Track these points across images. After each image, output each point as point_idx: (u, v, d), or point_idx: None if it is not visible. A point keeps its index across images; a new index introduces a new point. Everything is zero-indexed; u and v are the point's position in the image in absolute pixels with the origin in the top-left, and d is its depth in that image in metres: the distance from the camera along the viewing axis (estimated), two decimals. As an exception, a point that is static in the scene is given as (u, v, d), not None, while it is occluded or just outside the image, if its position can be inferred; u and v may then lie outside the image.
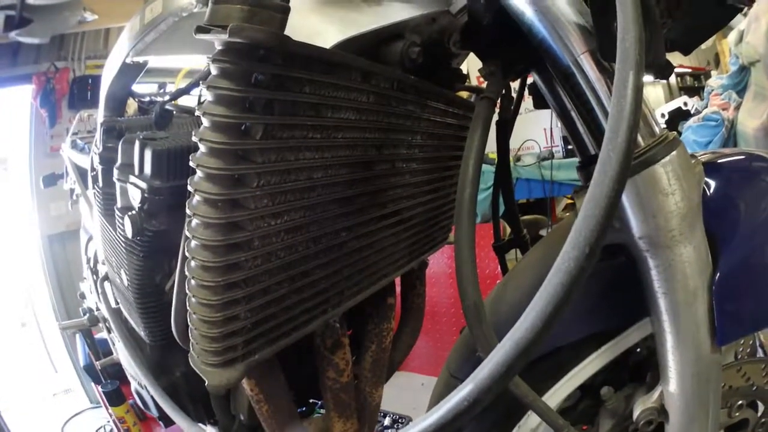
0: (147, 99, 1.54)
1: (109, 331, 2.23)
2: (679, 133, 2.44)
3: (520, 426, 0.81)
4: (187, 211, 0.62)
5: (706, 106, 3.40)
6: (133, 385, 1.30)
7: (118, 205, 0.95)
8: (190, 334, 0.70)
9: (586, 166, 0.79)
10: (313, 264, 0.76)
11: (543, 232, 3.40)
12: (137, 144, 0.86)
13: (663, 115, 4.11)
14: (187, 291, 0.66)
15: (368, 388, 1.08)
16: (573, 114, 0.80)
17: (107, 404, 2.37)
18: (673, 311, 0.62)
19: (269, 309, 0.72)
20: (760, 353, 0.85)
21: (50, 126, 3.47)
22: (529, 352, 0.42)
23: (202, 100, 0.60)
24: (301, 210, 0.70)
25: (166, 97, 1.48)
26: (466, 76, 0.94)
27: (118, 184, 0.94)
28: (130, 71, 1.26)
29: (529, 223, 3.34)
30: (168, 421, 1.25)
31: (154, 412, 1.23)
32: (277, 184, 0.64)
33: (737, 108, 3.17)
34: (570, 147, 3.99)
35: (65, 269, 3.72)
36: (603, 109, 0.61)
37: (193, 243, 0.63)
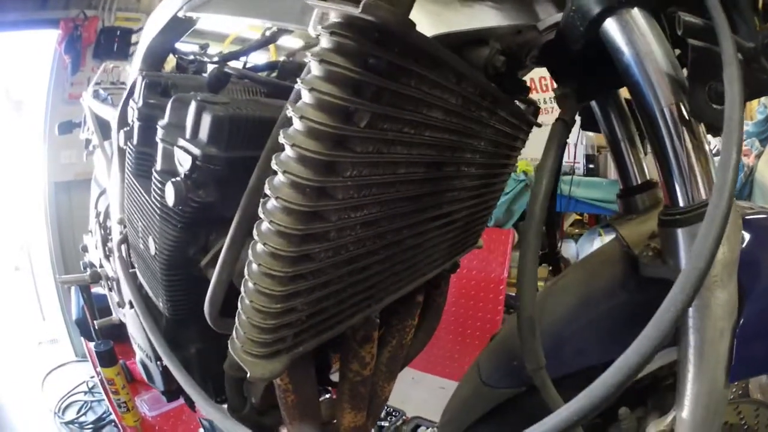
0: (191, 58, 1.47)
1: (110, 289, 2.18)
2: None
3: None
4: (267, 191, 0.57)
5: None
6: (139, 356, 1.24)
7: (158, 167, 0.88)
8: (237, 320, 0.67)
9: (627, 195, 0.91)
10: (374, 259, 0.76)
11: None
12: (194, 105, 0.79)
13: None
14: (247, 276, 0.62)
15: (381, 382, 1.09)
16: (623, 145, 0.92)
17: (98, 364, 2.31)
18: (700, 346, 0.66)
19: (325, 302, 0.71)
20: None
21: (72, 73, 3.39)
22: (638, 371, 0.48)
23: (307, 74, 0.55)
24: (378, 205, 0.68)
25: (214, 59, 1.43)
26: (529, 88, 0.93)
27: (161, 145, 0.87)
28: (178, 26, 1.19)
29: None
30: (171, 396, 1.21)
31: (160, 386, 1.18)
32: (366, 176, 0.61)
33: (758, 156, 3.27)
34: (591, 166, 3.97)
35: (68, 218, 3.66)
36: (676, 158, 0.65)
37: (266, 226, 0.58)
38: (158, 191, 0.86)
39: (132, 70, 1.47)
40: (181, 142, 0.80)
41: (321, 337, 0.77)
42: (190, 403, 1.25)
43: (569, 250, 4.16)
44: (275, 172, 0.56)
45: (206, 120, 0.77)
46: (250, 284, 0.62)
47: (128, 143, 1.12)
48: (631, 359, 0.47)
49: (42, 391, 3.29)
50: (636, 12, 0.65)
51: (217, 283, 0.75)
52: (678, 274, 0.59)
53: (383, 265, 0.80)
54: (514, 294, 3.21)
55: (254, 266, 0.60)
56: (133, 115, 1.10)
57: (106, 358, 2.22)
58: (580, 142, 3.87)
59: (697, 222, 0.64)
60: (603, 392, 0.47)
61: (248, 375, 0.67)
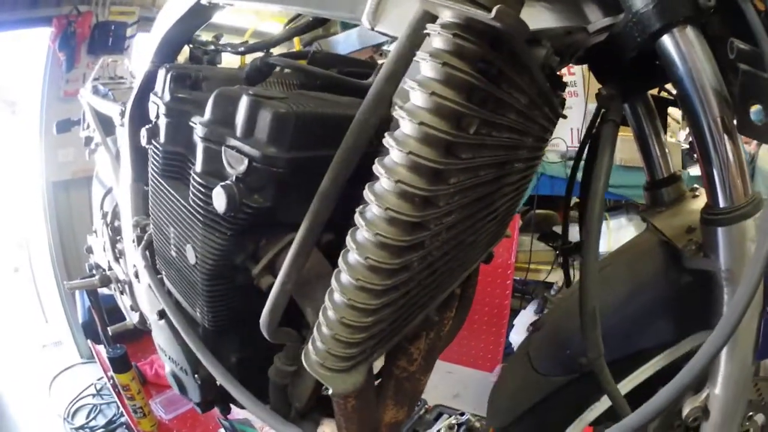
0: (211, 48, 1.40)
1: (121, 293, 2.11)
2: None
3: (591, 409, 0.97)
4: (370, 197, 0.53)
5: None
6: (170, 368, 1.18)
7: (198, 169, 0.82)
8: (316, 335, 0.65)
9: (653, 187, 0.99)
10: (444, 260, 0.75)
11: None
12: (246, 101, 0.73)
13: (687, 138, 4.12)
14: (338, 289, 0.59)
15: (419, 375, 1.06)
16: (650, 140, 1.00)
17: (109, 368, 2.25)
18: (735, 328, 0.76)
19: (405, 309, 0.69)
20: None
21: (67, 70, 3.31)
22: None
23: (421, 75, 0.52)
24: (461, 208, 0.67)
25: (239, 48, 1.36)
26: (566, 84, 0.96)
27: (202, 144, 0.81)
28: (200, 15, 1.12)
29: (541, 218, 3.30)
30: (206, 407, 1.16)
31: (195, 398, 1.12)
32: (462, 182, 0.60)
33: (759, 144, 3.40)
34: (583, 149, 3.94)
35: (67, 218, 3.59)
36: (719, 164, 0.73)
37: (365, 237, 0.55)
38: (200, 196, 0.80)
39: (141, 63, 1.40)
40: (232, 141, 0.74)
41: (392, 342, 0.76)
42: (225, 411, 1.19)
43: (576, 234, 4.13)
44: (376, 178, 0.52)
45: (265, 117, 0.71)
46: (341, 298, 0.58)
47: (153, 142, 1.03)
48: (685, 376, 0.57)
49: (49, 395, 3.24)
50: (690, 30, 0.70)
51: (279, 294, 0.70)
52: (713, 266, 0.76)
53: (448, 264, 0.79)
54: (519, 278, 3.23)
55: (347, 279, 0.57)
56: (157, 110, 1.02)
57: (120, 364, 2.16)
58: (584, 127, 3.84)
59: (735, 222, 0.73)
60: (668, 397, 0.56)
61: (330, 391, 0.66)
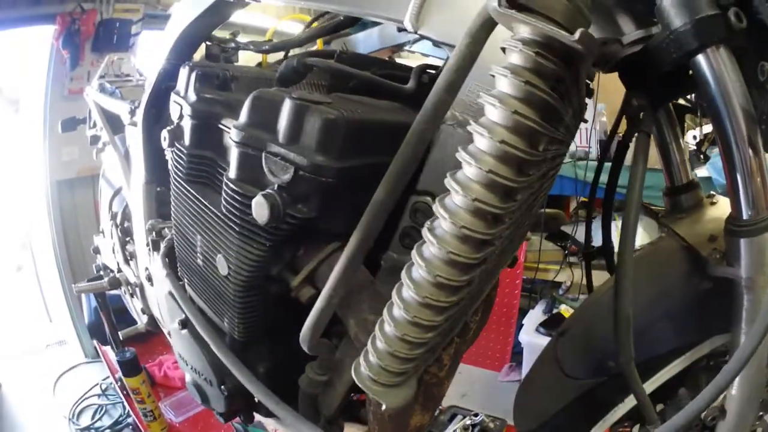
0: (231, 46, 1.36)
1: (131, 295, 2.08)
2: (707, 158, 2.77)
3: (615, 410, 0.98)
4: (442, 214, 0.52)
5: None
6: (192, 378, 1.15)
7: (232, 175, 0.79)
8: (370, 350, 0.64)
9: (673, 194, 1.03)
10: (489, 268, 0.73)
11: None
12: (289, 105, 0.70)
13: (695, 137, 4.11)
14: (400, 305, 0.58)
15: (445, 380, 1.04)
16: (671, 146, 1.04)
17: (117, 370, 2.21)
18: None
19: (455, 320, 0.70)
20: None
21: (71, 68, 3.27)
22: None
23: (499, 91, 0.52)
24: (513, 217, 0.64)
25: (260, 46, 1.32)
26: (593, 91, 0.94)
27: (237, 150, 0.77)
28: (222, 11, 1.09)
29: (550, 218, 3.28)
30: (229, 417, 1.13)
31: (220, 409, 1.09)
32: (526, 198, 0.61)
33: None
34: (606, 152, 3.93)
35: (72, 217, 3.57)
36: (744, 179, 0.75)
37: (435, 254, 0.54)
38: (236, 204, 0.78)
39: (154, 60, 1.37)
40: (274, 147, 0.71)
41: (438, 352, 0.76)
42: (249, 420, 1.16)
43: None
44: (448, 192, 0.51)
45: (314, 124, 0.69)
46: (403, 315, 0.57)
47: (177, 144, 1.00)
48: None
49: (54, 395, 3.21)
50: (723, 50, 0.71)
51: (325, 308, 0.68)
52: (736, 274, 0.79)
53: (491, 272, 0.80)
54: (527, 278, 3.21)
55: (411, 295, 0.56)
56: (181, 111, 0.98)
57: (129, 368, 2.12)
58: (593, 128, 3.83)
59: (758, 234, 0.75)
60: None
61: (383, 406, 0.65)
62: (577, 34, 0.46)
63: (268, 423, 1.24)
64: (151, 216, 1.58)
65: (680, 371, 0.96)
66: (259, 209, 0.70)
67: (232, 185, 0.78)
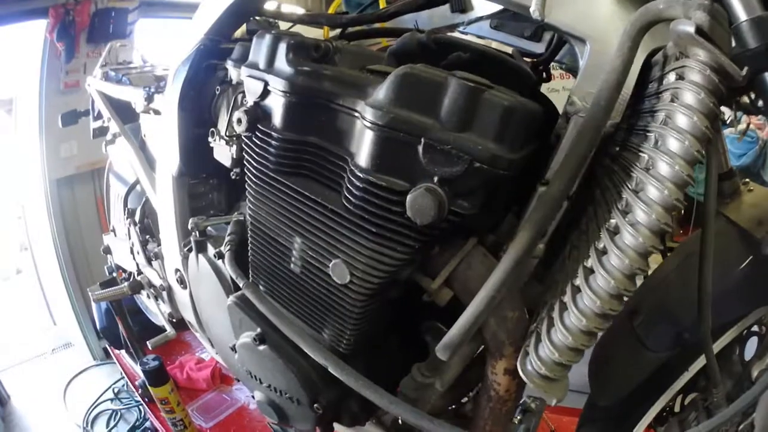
0: (292, 17, 1.25)
1: (156, 299, 1.97)
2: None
3: (672, 387, 1.09)
4: (624, 224, 0.56)
5: (739, 121, 3.67)
6: (268, 397, 1.05)
7: (369, 165, 0.69)
8: (547, 343, 0.63)
9: (722, 179, 1.04)
10: None
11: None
12: (461, 88, 0.61)
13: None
14: (589, 294, 0.59)
15: None
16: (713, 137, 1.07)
17: (146, 383, 2.07)
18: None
19: None
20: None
21: (67, 60, 3.16)
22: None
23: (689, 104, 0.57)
24: None
25: (336, 21, 1.21)
26: None
27: (378, 135, 0.68)
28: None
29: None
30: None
31: (306, 427, 0.98)
32: None
33: None
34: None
35: (73, 216, 3.46)
36: None
37: (619, 263, 0.56)
38: (376, 200, 0.68)
39: (194, 34, 1.25)
40: (437, 134, 0.63)
41: None
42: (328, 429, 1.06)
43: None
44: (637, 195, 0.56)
45: (492, 110, 0.61)
46: (590, 306, 0.59)
47: (261, 128, 0.86)
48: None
49: (64, 403, 3.10)
50: None
51: (482, 311, 0.62)
52: None
53: None
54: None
55: (603, 284, 0.57)
56: (265, 87, 0.84)
57: (156, 377, 1.98)
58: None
59: None
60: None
61: (554, 401, 0.65)
62: (744, 71, 0.56)
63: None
64: (184, 212, 1.47)
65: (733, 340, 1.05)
66: (422, 207, 0.62)
67: (370, 177, 0.68)
